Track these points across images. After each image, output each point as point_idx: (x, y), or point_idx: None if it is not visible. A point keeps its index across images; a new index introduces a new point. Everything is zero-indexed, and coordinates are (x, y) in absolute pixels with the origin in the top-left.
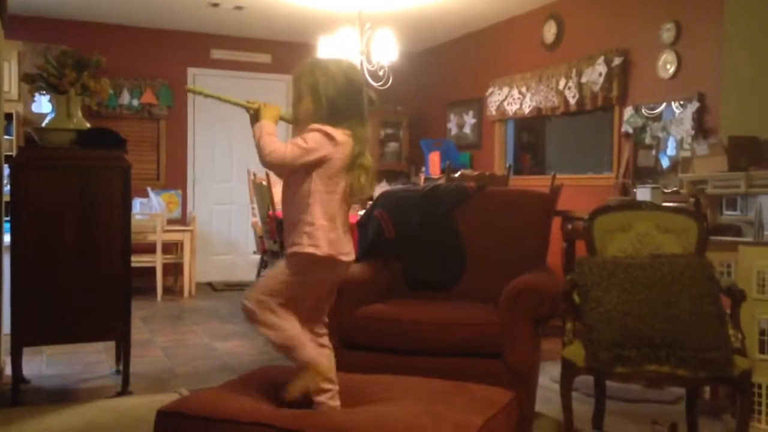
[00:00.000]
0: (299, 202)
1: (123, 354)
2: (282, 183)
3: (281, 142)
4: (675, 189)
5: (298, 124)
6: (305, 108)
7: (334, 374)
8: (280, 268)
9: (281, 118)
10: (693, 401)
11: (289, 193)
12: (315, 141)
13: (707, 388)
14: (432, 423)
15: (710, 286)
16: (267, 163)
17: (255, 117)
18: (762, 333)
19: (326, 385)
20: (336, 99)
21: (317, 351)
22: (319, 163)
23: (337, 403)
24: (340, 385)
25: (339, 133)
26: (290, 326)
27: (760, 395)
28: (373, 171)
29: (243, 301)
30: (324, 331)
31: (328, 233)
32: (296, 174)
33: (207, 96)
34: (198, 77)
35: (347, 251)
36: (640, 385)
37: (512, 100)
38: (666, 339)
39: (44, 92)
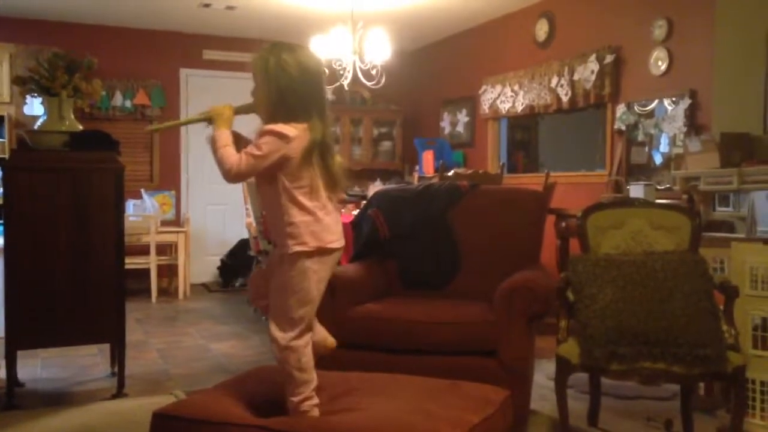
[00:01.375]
0: (274, 204)
1: (118, 356)
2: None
3: (236, 155)
4: (668, 186)
5: (256, 113)
6: (257, 96)
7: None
8: (282, 286)
9: (237, 113)
10: (688, 397)
11: (263, 197)
12: (268, 145)
13: (702, 385)
14: (427, 421)
15: (703, 282)
16: (228, 179)
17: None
18: (755, 328)
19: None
20: (286, 88)
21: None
22: (280, 163)
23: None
24: (336, 384)
25: (291, 129)
26: (311, 372)
27: (754, 390)
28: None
29: (273, 342)
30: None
31: (309, 227)
32: (261, 177)
33: (169, 127)
34: (190, 78)
35: (334, 238)
36: (635, 382)
37: (505, 98)
38: (660, 336)
39: (36, 94)
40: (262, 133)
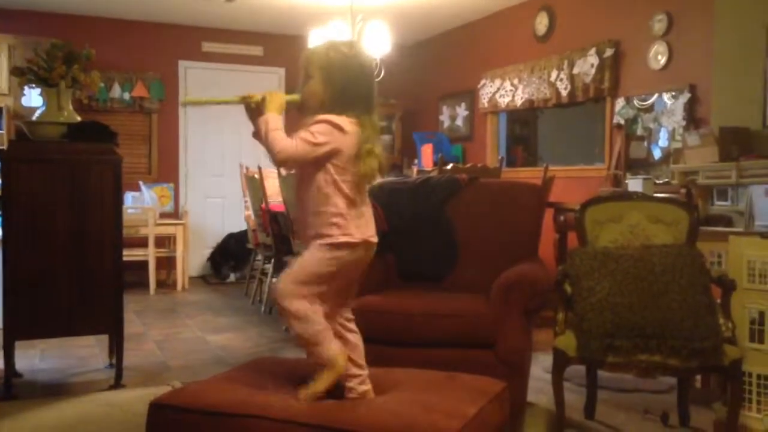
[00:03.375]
0: (317, 194)
1: (116, 347)
2: (279, 176)
3: (288, 139)
4: (666, 180)
5: (304, 107)
6: (312, 90)
7: (363, 359)
8: (311, 258)
9: (288, 103)
10: (684, 390)
11: (305, 185)
12: (323, 134)
13: (698, 378)
14: (423, 413)
15: (701, 276)
16: (277, 162)
17: (257, 110)
18: (752, 322)
19: (356, 371)
20: (347, 83)
21: (339, 347)
22: (331, 154)
23: (367, 387)
24: None
25: (346, 122)
26: (319, 320)
27: (750, 384)
28: (382, 158)
29: (275, 289)
30: (352, 316)
31: (355, 219)
32: (309, 166)
33: (204, 104)
34: (189, 70)
35: (374, 232)
36: (632, 375)
37: (504, 92)
38: (657, 329)
39: (34, 85)
40: (318, 122)
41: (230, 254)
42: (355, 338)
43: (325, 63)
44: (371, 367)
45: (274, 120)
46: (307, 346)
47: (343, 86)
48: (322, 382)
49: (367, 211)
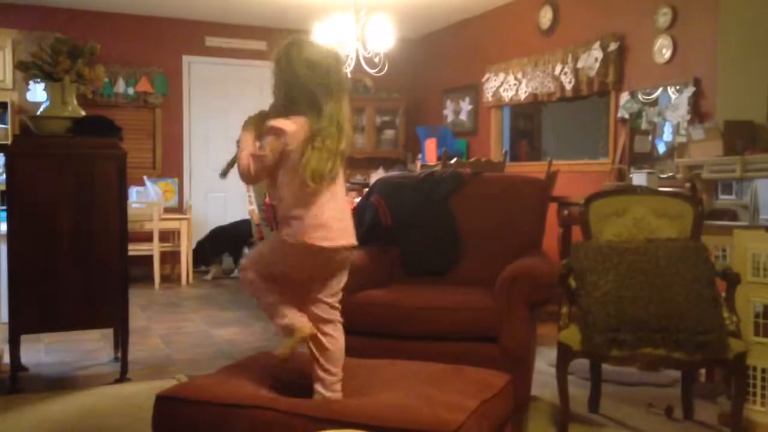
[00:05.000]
0: (277, 195)
1: (121, 341)
2: None
3: (246, 158)
4: (671, 174)
5: (272, 113)
6: (274, 93)
7: (335, 365)
8: (267, 242)
9: (266, 117)
10: (688, 384)
11: (270, 187)
12: (269, 144)
13: (703, 371)
14: (427, 405)
15: (705, 269)
16: (243, 181)
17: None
18: (757, 316)
19: (322, 374)
20: (291, 83)
21: (297, 317)
22: (281, 159)
23: (334, 393)
24: None
25: (290, 124)
26: (268, 294)
27: (754, 378)
28: (335, 153)
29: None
30: (330, 318)
31: (304, 221)
32: (275, 171)
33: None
34: (193, 65)
35: (331, 236)
36: (636, 369)
37: (508, 86)
38: (661, 322)
39: (39, 80)
40: (266, 132)
41: (216, 248)
42: (329, 342)
43: (275, 65)
44: (376, 359)
45: (242, 141)
46: (268, 317)
47: (288, 86)
48: (284, 347)
49: (332, 221)
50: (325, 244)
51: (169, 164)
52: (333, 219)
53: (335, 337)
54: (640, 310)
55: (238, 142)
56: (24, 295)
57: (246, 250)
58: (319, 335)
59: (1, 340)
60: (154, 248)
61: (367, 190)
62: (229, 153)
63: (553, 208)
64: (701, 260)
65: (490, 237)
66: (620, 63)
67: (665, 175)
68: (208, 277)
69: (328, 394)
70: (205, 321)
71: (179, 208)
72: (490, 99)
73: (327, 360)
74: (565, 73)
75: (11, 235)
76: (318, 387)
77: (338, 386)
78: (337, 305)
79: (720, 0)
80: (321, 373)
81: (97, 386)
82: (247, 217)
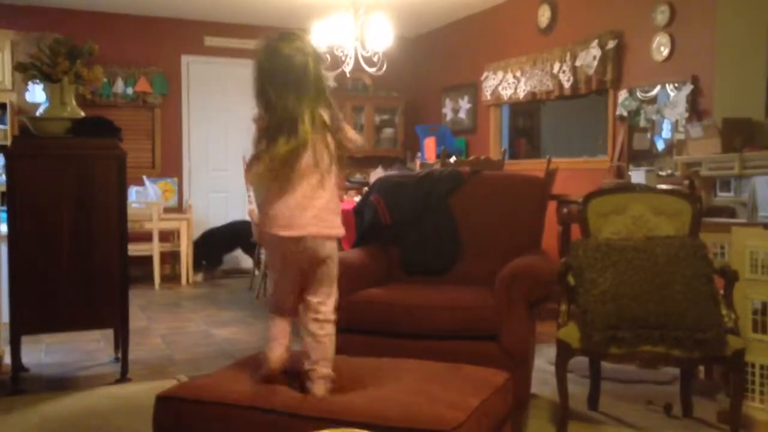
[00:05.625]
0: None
1: (121, 341)
2: None
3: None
4: (670, 171)
5: None
6: None
7: (324, 362)
8: None
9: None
10: (687, 381)
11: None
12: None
13: (702, 369)
14: (428, 403)
15: (703, 266)
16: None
17: None
18: (755, 312)
19: (311, 372)
20: (257, 91)
21: (271, 350)
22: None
23: (320, 385)
24: (338, 368)
25: (250, 162)
26: (272, 330)
27: (753, 374)
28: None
29: None
30: (316, 316)
31: (268, 213)
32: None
33: None
34: (192, 64)
35: (290, 225)
36: (635, 366)
37: (507, 84)
38: (660, 319)
39: (38, 81)
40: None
41: (208, 250)
42: (316, 341)
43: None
44: (376, 358)
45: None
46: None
47: (256, 92)
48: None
49: (297, 211)
50: (282, 233)
51: (169, 164)
52: (293, 208)
53: (322, 337)
54: (639, 307)
55: None
56: (24, 295)
57: (239, 251)
58: (307, 335)
59: (2, 340)
60: (154, 248)
61: (366, 189)
62: (229, 152)
63: (552, 206)
64: (699, 257)
65: (489, 235)
66: (618, 61)
67: (664, 173)
68: (199, 278)
69: (314, 390)
70: (206, 321)
71: (179, 208)
72: (489, 97)
73: (318, 354)
74: (564, 71)
75: (11, 236)
76: (307, 384)
77: (326, 385)
78: (327, 304)
79: None
80: (309, 371)
81: (97, 386)
82: (237, 218)
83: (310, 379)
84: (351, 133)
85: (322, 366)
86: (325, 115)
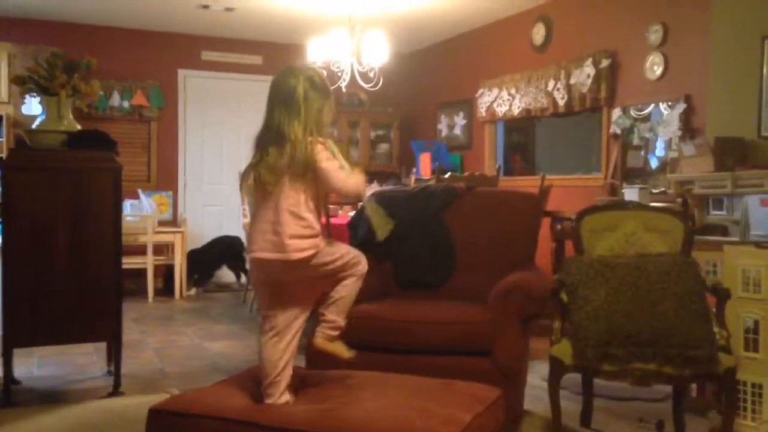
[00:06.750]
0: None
1: (114, 355)
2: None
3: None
4: (663, 189)
5: None
6: None
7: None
8: None
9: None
10: (680, 399)
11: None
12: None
13: (694, 386)
14: (420, 418)
15: (695, 284)
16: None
17: None
18: (747, 331)
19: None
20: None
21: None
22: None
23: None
24: (331, 382)
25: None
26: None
27: (745, 392)
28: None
29: None
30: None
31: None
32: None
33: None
34: (189, 79)
35: (257, 247)
36: (627, 383)
37: (502, 101)
38: (652, 337)
39: (35, 94)
40: None
41: (198, 266)
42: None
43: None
44: (369, 372)
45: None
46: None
47: None
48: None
49: (261, 233)
50: (251, 255)
51: (164, 177)
52: (257, 232)
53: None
54: (631, 324)
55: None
56: (18, 308)
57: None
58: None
59: None
60: (148, 261)
61: (361, 204)
62: (224, 166)
63: (546, 222)
64: (692, 275)
65: (483, 251)
66: (612, 79)
67: (657, 190)
68: (192, 292)
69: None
70: (199, 334)
71: (173, 221)
72: (484, 114)
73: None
74: (558, 89)
75: (6, 249)
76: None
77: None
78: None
79: (711, 17)
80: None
81: (90, 400)
82: (224, 234)
83: (317, 323)
84: (335, 179)
85: (331, 312)
86: (317, 145)
